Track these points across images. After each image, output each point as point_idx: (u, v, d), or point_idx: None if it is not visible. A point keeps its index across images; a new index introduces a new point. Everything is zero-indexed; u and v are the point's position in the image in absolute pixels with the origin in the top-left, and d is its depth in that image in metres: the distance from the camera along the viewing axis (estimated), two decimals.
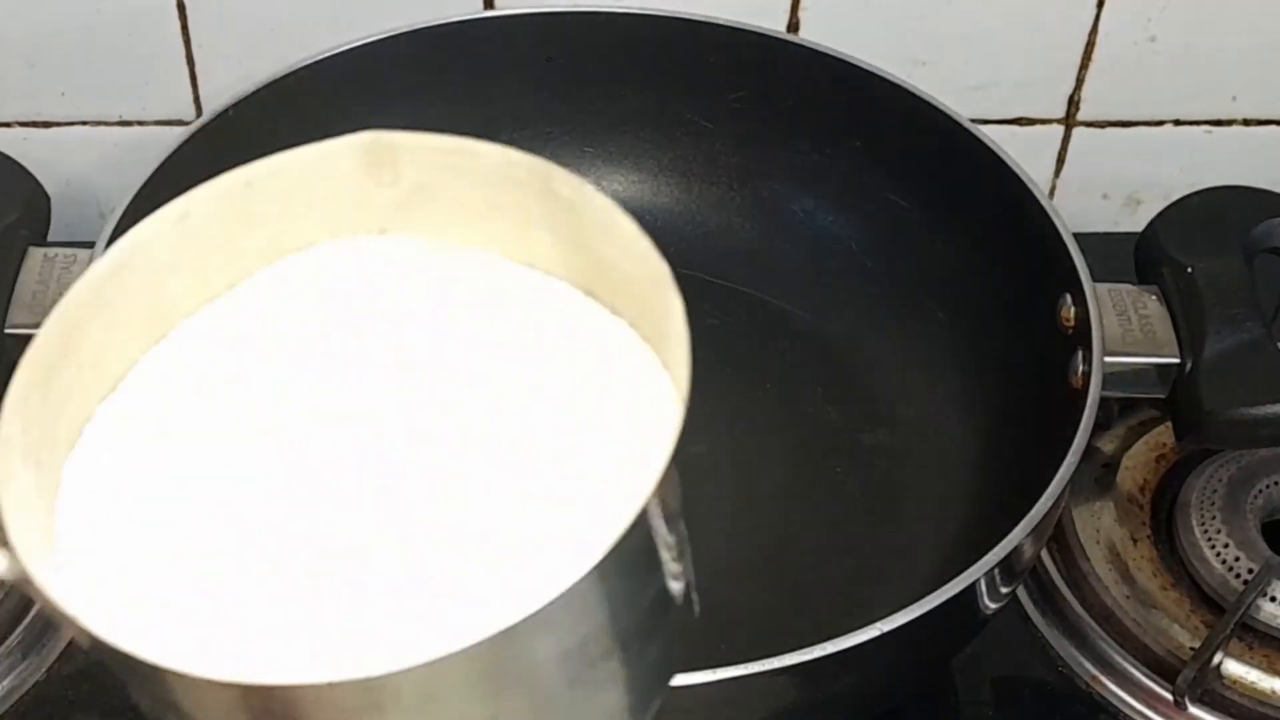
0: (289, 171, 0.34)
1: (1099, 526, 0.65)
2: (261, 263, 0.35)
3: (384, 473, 0.33)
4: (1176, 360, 0.60)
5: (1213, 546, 0.63)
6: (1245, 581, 0.62)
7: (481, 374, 0.34)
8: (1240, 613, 0.60)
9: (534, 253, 0.35)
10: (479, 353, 0.34)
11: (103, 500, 0.33)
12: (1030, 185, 0.62)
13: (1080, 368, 0.58)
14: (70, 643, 0.61)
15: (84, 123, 0.74)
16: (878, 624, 0.48)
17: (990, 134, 0.64)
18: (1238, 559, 0.63)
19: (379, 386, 0.34)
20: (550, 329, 0.35)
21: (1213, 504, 0.64)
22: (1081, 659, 0.63)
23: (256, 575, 0.32)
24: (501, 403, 0.33)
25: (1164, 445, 0.68)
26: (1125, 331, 0.61)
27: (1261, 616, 0.61)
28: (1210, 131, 0.75)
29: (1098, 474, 0.67)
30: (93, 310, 0.33)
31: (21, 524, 0.30)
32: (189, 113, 0.73)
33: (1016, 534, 0.52)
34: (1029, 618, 0.64)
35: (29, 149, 0.68)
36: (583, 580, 0.29)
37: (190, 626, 0.31)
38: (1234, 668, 0.61)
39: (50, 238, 0.65)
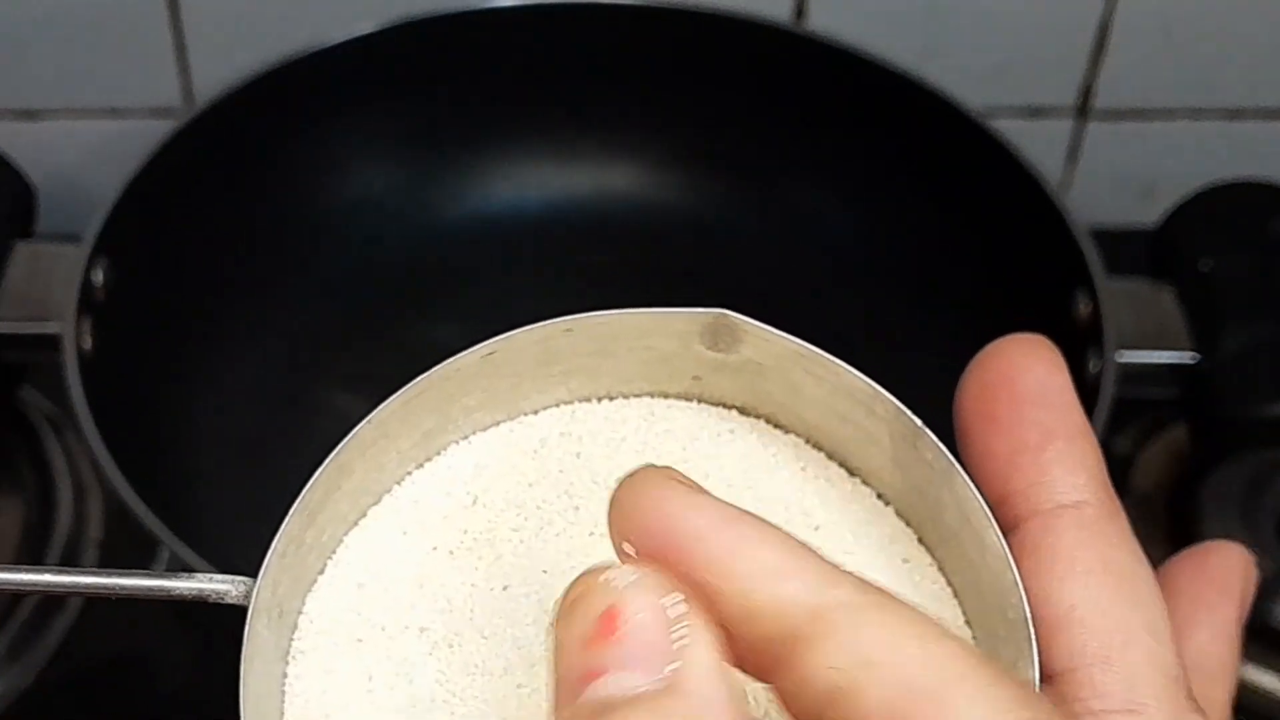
0: (614, 323, 0.32)
1: None
2: (565, 398, 0.33)
3: None
4: (1192, 358, 0.60)
5: None
6: (1262, 584, 0.61)
7: None
8: (1257, 617, 0.59)
9: (865, 464, 0.32)
10: None
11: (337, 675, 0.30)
12: (1042, 179, 0.62)
13: (1094, 365, 0.58)
14: (61, 647, 0.60)
15: (72, 113, 0.73)
16: None
17: (1001, 126, 0.64)
18: (1254, 561, 0.62)
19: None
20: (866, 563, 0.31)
21: (1228, 505, 0.63)
22: None
23: None
24: None
25: (1179, 445, 0.67)
26: (1140, 328, 0.60)
27: (1278, 620, 0.61)
28: (1227, 124, 0.75)
29: (1111, 474, 0.65)
30: (369, 444, 0.31)
31: (258, 717, 0.28)
32: (180, 104, 0.72)
33: None
34: None
35: (15, 140, 0.67)
36: None
37: None
38: (1250, 673, 0.60)
39: (38, 231, 0.65)
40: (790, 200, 0.70)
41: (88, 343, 0.57)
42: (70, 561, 0.63)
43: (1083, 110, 0.74)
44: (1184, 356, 0.60)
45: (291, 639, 0.30)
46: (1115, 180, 0.76)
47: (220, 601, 0.30)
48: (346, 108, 0.68)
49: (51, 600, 0.61)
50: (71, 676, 0.60)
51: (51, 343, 0.57)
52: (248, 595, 0.29)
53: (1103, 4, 0.70)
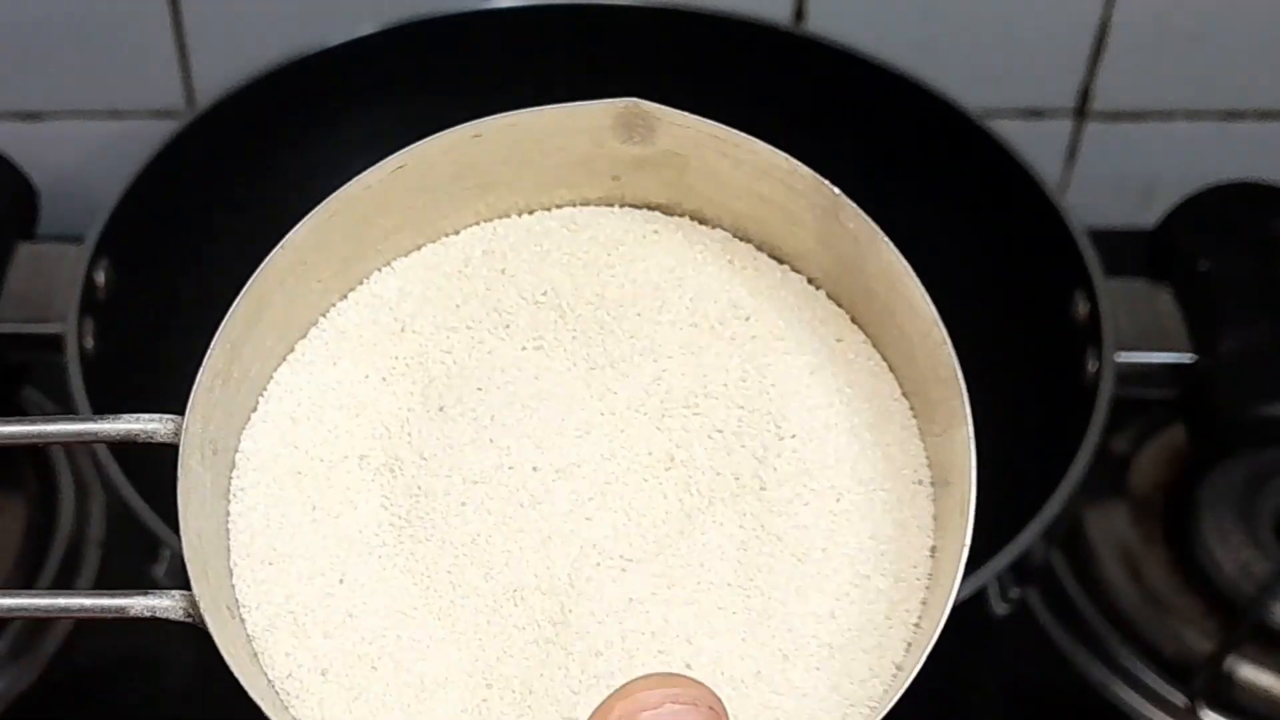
0: (524, 124, 0.31)
1: (1111, 528, 0.65)
2: (486, 215, 0.32)
3: (592, 511, 0.30)
4: (1190, 358, 0.60)
5: (1227, 548, 0.63)
6: (1260, 583, 0.61)
7: (723, 402, 0.30)
8: (1255, 616, 0.60)
9: (793, 248, 0.32)
10: (718, 361, 0.31)
11: (277, 504, 0.30)
12: (1041, 180, 0.62)
13: (1092, 366, 0.58)
14: (64, 646, 0.60)
15: (74, 115, 0.73)
16: None
17: (1000, 127, 0.64)
18: (1252, 561, 0.62)
19: (587, 392, 0.30)
20: (804, 346, 0.31)
21: (1226, 505, 0.64)
22: (1094, 663, 0.62)
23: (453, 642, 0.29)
24: (738, 445, 0.30)
25: (1177, 445, 0.67)
26: (1138, 329, 0.60)
27: (1277, 619, 0.61)
28: (1225, 125, 0.75)
29: (1110, 474, 0.66)
30: (287, 273, 0.31)
31: (200, 555, 0.28)
32: (181, 105, 0.72)
33: (1027, 535, 0.52)
34: (1040, 621, 0.63)
35: (17, 141, 0.67)
36: None
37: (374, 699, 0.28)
38: (1249, 672, 0.60)
39: (39, 232, 0.65)
40: None
41: (89, 343, 0.57)
42: (73, 561, 0.63)
43: (1081, 111, 0.74)
44: (1182, 357, 0.60)
45: (231, 477, 0.30)
46: (1114, 181, 0.76)
47: (150, 440, 0.29)
48: (347, 108, 0.68)
49: None
50: (71, 676, 0.60)
51: (53, 343, 0.57)
52: (177, 432, 0.29)
53: (1101, 5, 0.70)
